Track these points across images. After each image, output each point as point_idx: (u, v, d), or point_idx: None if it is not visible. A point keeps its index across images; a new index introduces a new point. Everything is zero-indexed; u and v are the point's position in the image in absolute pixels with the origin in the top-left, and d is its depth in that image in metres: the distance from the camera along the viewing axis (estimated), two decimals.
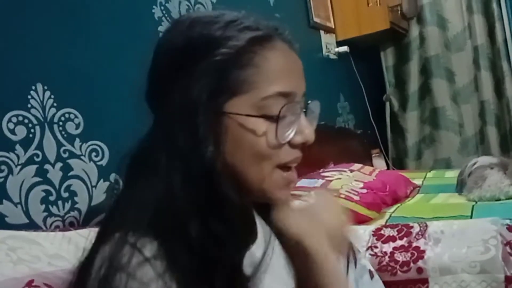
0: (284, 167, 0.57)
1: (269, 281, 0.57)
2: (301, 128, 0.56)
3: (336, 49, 2.63)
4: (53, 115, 1.05)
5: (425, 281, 1.13)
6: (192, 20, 0.57)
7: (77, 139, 1.10)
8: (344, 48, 2.62)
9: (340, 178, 1.71)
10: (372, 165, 2.36)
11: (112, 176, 1.15)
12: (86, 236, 0.90)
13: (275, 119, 0.54)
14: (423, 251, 1.16)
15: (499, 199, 1.64)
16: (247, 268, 0.53)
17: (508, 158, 1.91)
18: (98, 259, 0.49)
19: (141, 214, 0.51)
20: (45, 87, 1.04)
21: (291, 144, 0.56)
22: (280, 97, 0.54)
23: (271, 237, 0.62)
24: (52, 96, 1.06)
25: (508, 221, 1.25)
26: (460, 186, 1.83)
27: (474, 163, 1.83)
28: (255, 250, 0.58)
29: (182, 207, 0.50)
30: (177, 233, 0.49)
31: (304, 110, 0.59)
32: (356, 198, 1.57)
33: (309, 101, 0.60)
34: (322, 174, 1.77)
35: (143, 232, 0.50)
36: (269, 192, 0.57)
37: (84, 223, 1.08)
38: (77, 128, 1.10)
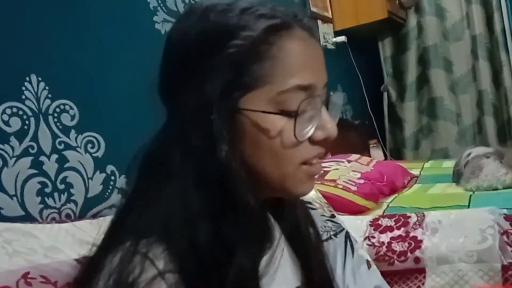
0: (307, 163, 0.53)
1: (276, 282, 0.55)
2: (323, 123, 0.52)
3: (334, 39, 2.61)
4: (48, 107, 1.04)
5: (422, 270, 1.14)
6: (205, 8, 0.53)
7: (73, 131, 1.09)
8: (342, 38, 2.60)
9: (337, 169, 1.71)
10: (369, 156, 2.36)
11: (109, 168, 1.15)
12: (83, 228, 0.91)
13: (293, 115, 0.50)
14: (421, 241, 1.17)
15: (496, 189, 1.64)
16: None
17: (504, 147, 1.91)
18: (105, 271, 0.46)
19: (153, 219, 0.48)
20: (40, 78, 1.03)
21: (312, 140, 0.52)
22: (299, 91, 0.50)
23: (280, 236, 0.60)
24: (47, 87, 1.04)
25: (505, 211, 1.25)
26: (456, 177, 1.83)
27: (469, 154, 1.83)
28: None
29: (195, 212, 0.48)
30: (189, 239, 0.47)
31: (326, 102, 0.55)
32: (354, 188, 1.57)
33: (331, 93, 0.56)
34: None
35: (154, 239, 0.47)
36: (292, 188, 0.54)
37: (80, 215, 1.07)
38: (72, 119, 1.09)
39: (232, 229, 0.48)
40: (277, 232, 0.61)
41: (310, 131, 0.51)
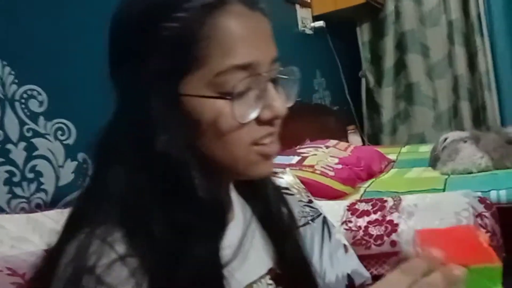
0: (258, 144, 0.51)
1: (248, 264, 0.55)
2: (269, 102, 0.49)
3: (312, 24, 2.59)
4: (14, 92, 1.00)
5: (399, 254, 1.15)
6: None
7: (41, 117, 1.05)
8: (320, 23, 2.58)
9: (315, 154, 1.71)
10: (347, 141, 2.37)
11: (80, 156, 1.12)
12: (54, 218, 0.88)
13: (231, 97, 0.47)
14: (397, 225, 1.18)
15: (471, 172, 1.67)
16: (223, 251, 0.50)
17: (479, 131, 1.94)
18: (64, 257, 0.45)
19: (109, 207, 0.47)
20: (4, 63, 0.99)
21: (259, 120, 0.49)
22: (238, 71, 0.47)
23: (251, 218, 0.60)
24: (13, 72, 1.00)
25: (479, 194, 1.27)
26: (433, 161, 1.85)
27: (445, 139, 1.85)
28: (233, 232, 0.55)
29: (146, 201, 0.46)
30: (144, 228, 0.46)
31: (275, 79, 0.52)
32: (331, 173, 1.57)
33: (282, 68, 0.52)
34: (298, 150, 1.76)
35: (113, 226, 0.46)
36: (247, 171, 0.52)
37: (52, 205, 1.04)
38: (40, 105, 1.05)
39: (184, 218, 0.47)
40: (247, 212, 0.61)
41: (253, 112, 0.48)
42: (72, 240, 0.46)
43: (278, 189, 0.66)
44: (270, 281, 0.58)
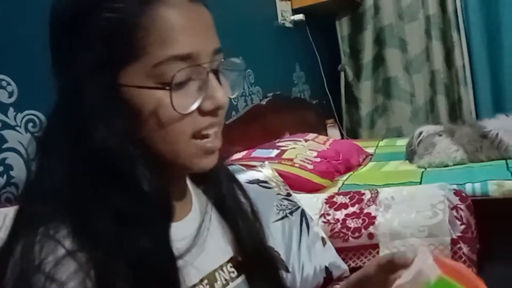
0: (201, 135, 0.51)
1: (207, 253, 0.55)
2: (211, 93, 0.49)
3: (292, 17, 2.58)
4: None
5: (376, 246, 1.16)
6: None
7: (11, 109, 1.01)
8: (300, 16, 2.57)
9: (294, 148, 1.71)
10: (326, 135, 2.38)
11: None
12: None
13: (169, 87, 0.47)
14: (374, 217, 1.19)
15: (447, 165, 1.70)
16: (180, 242, 0.50)
17: (454, 125, 1.97)
18: (12, 257, 0.44)
19: (54, 203, 0.46)
20: None
21: (201, 111, 0.49)
22: (177, 61, 0.47)
23: (207, 208, 0.60)
24: None
25: (455, 186, 1.29)
26: (410, 155, 1.87)
27: (420, 133, 1.88)
28: (191, 223, 0.56)
29: (87, 195, 0.46)
30: (88, 223, 0.45)
31: (216, 69, 0.51)
32: (310, 167, 1.57)
33: (223, 59, 0.52)
34: (277, 144, 1.76)
35: (60, 222, 0.45)
36: (187, 164, 0.51)
37: None
38: (10, 96, 1.02)
39: (126, 211, 0.46)
40: (203, 202, 0.61)
41: (194, 103, 0.48)
42: (19, 239, 0.45)
43: (231, 176, 0.66)
44: (232, 269, 0.59)
